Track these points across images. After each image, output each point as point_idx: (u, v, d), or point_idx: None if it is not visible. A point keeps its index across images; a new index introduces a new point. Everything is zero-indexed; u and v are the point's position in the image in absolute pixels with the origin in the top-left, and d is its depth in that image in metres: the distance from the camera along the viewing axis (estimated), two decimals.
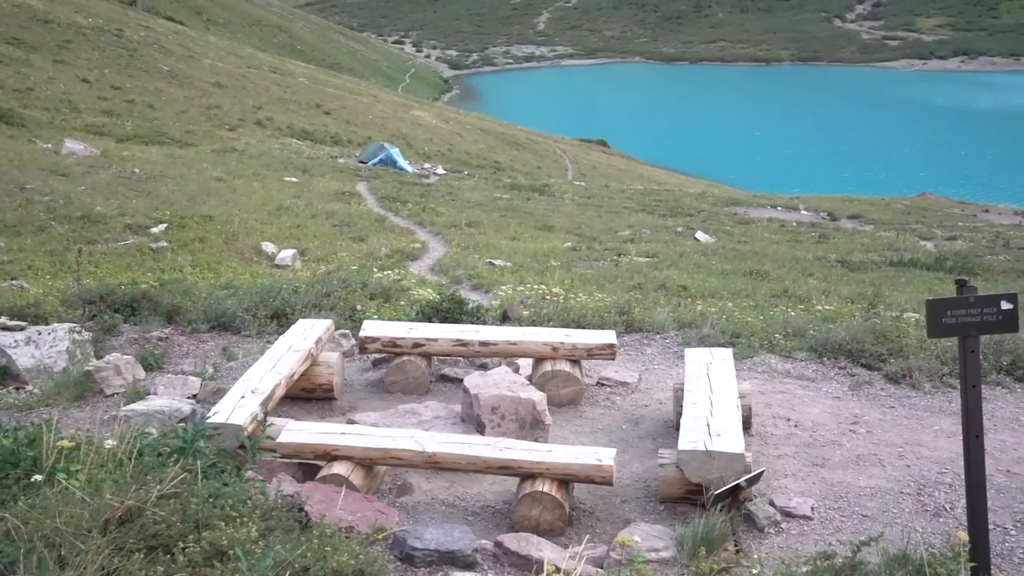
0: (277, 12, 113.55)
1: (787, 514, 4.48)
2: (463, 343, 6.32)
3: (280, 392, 5.41)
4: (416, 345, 6.30)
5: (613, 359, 6.41)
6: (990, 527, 3.74)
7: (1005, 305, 3.31)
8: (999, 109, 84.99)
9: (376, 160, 31.88)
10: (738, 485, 4.32)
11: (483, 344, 6.31)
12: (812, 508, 4.53)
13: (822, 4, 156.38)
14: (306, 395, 6.08)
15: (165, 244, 13.55)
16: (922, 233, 26.78)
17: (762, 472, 4.57)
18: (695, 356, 5.97)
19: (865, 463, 5.12)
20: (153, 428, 4.02)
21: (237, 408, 4.88)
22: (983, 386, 6.28)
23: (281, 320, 7.91)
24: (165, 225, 14.91)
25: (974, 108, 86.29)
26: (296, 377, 5.77)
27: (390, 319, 7.68)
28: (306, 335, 6.18)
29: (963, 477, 3.63)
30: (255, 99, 43.31)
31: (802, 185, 47.67)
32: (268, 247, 14.39)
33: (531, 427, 5.29)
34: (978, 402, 3.43)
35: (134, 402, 5.51)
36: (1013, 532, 4.35)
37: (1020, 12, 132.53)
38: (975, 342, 3.39)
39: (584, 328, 7.29)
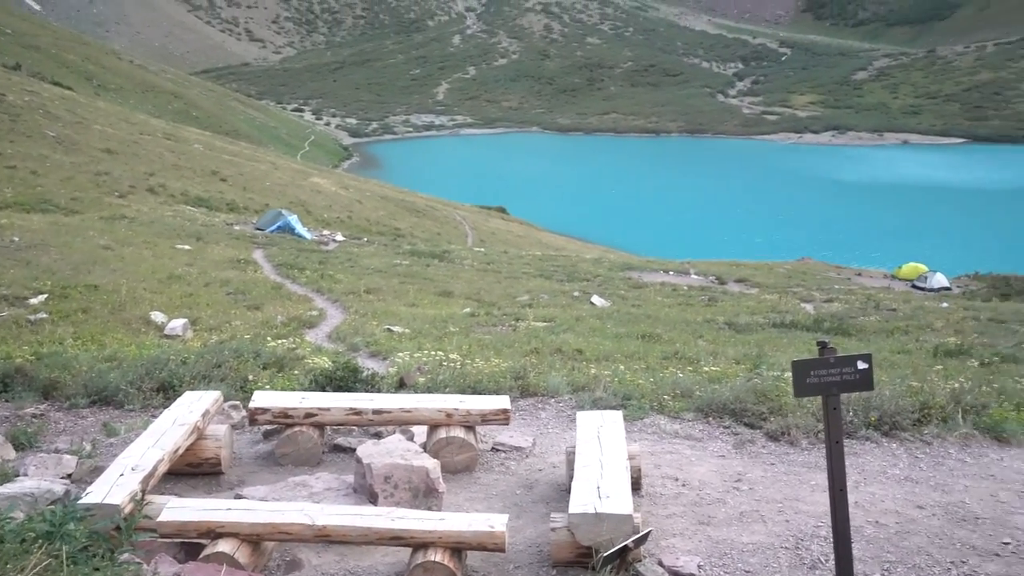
0: (172, 79, 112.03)
1: (674, 573, 4.52)
2: (357, 412, 6.22)
3: (163, 468, 5.19)
4: (308, 415, 6.15)
5: (507, 424, 6.41)
6: None
7: (861, 365, 3.49)
8: (865, 180, 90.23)
9: (274, 227, 31.47)
10: (626, 546, 4.35)
11: (377, 412, 6.22)
12: (698, 566, 4.59)
13: (706, 80, 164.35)
14: (192, 471, 5.84)
15: (45, 315, 12.91)
16: (802, 296, 27.90)
17: (649, 532, 4.61)
18: (587, 420, 6.02)
19: (748, 519, 5.22)
20: (19, 512, 3.78)
21: (115, 487, 4.65)
22: (854, 441, 6.57)
23: (168, 393, 7.59)
24: (45, 296, 14.26)
25: (844, 179, 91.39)
26: (181, 452, 5.54)
27: (283, 389, 7.50)
28: (192, 408, 5.96)
29: (848, 529, 3.74)
30: (147, 165, 42.36)
31: (692, 250, 49.19)
32: (157, 317, 13.90)
33: (425, 495, 5.22)
34: (841, 457, 3.57)
35: (1, 484, 5.18)
36: None
37: (881, 92, 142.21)
38: (836, 400, 3.55)
39: (480, 394, 7.28)
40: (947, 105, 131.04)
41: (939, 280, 36.63)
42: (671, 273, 34.11)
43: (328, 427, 6.49)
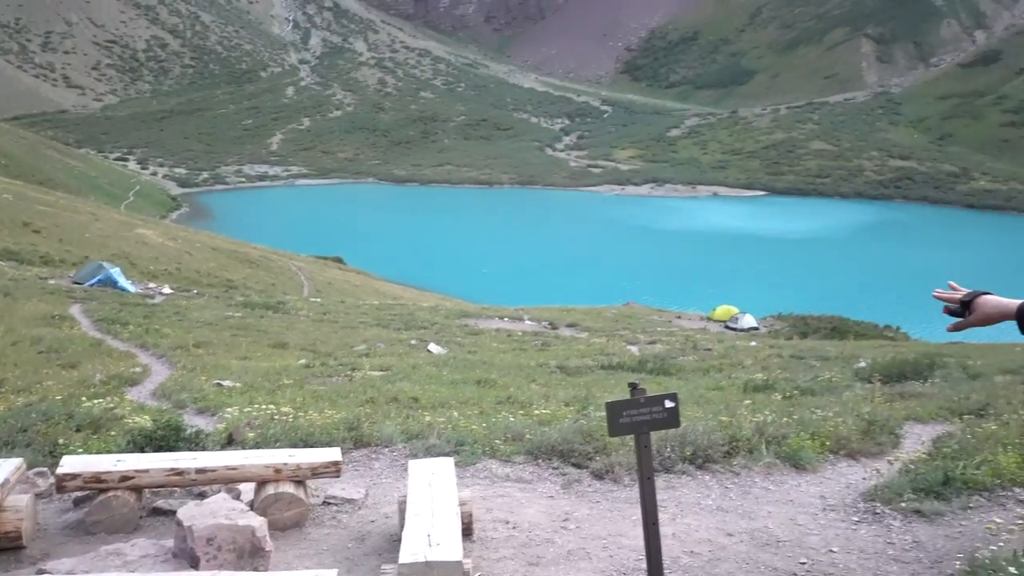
0: None
1: None
2: (178, 472, 5.87)
3: None
4: (124, 479, 5.73)
5: (338, 476, 6.24)
6: None
7: (668, 404, 3.65)
8: (682, 229, 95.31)
9: (94, 281, 29.65)
10: None
11: (200, 472, 5.90)
12: None
13: (535, 135, 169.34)
14: None
15: None
16: (628, 338, 28.94)
17: None
18: (418, 468, 5.96)
19: (575, 557, 5.31)
20: None
21: None
22: (671, 475, 6.83)
23: None
24: None
25: (663, 228, 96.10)
26: None
27: (98, 452, 7.00)
28: None
29: (660, 562, 3.87)
30: None
31: (526, 297, 50.07)
32: None
33: (251, 556, 4.98)
34: (653, 492, 3.71)
35: None
36: None
37: (693, 148, 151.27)
38: (647, 438, 3.70)
39: (313, 447, 7.07)
40: (749, 161, 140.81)
41: (748, 321, 38.85)
42: (506, 319, 34.61)
43: (147, 490, 6.09)
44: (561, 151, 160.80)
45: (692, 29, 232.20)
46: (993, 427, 7.81)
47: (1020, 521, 4.80)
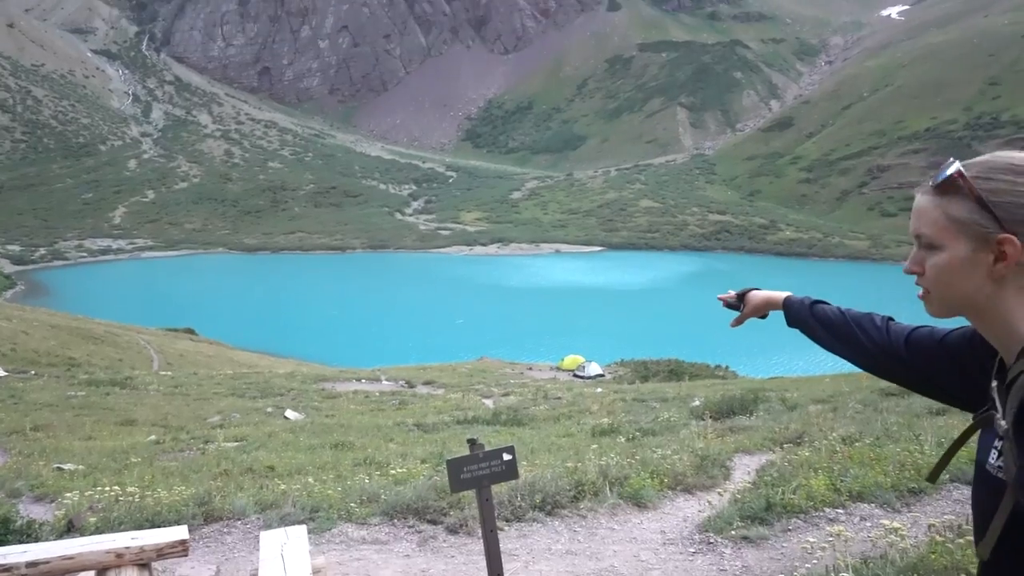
0: None
1: None
2: (6, 568, 5.32)
3: None
4: None
5: (186, 555, 5.84)
6: None
7: (507, 456, 3.68)
8: (529, 284, 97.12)
9: None
10: None
11: (32, 565, 5.32)
12: None
13: (385, 201, 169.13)
14: None
15: None
16: (483, 392, 28.99)
17: None
18: (269, 539, 5.68)
19: None
20: None
21: None
22: (523, 523, 6.84)
23: None
24: None
25: (511, 284, 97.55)
26: None
27: None
28: None
29: None
30: None
31: (383, 358, 49.35)
32: None
33: None
34: (496, 544, 3.70)
35: None
36: None
37: (534, 209, 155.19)
38: (488, 492, 3.70)
39: (160, 526, 6.63)
40: (586, 219, 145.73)
41: (594, 368, 39.67)
42: (363, 381, 33.95)
43: None
44: (410, 215, 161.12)
45: (526, 99, 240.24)
46: (807, 453, 8.27)
47: (831, 539, 5.09)
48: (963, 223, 1.48)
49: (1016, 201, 1.44)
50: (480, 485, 3.59)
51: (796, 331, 2.25)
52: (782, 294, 2.37)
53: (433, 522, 6.97)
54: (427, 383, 33.55)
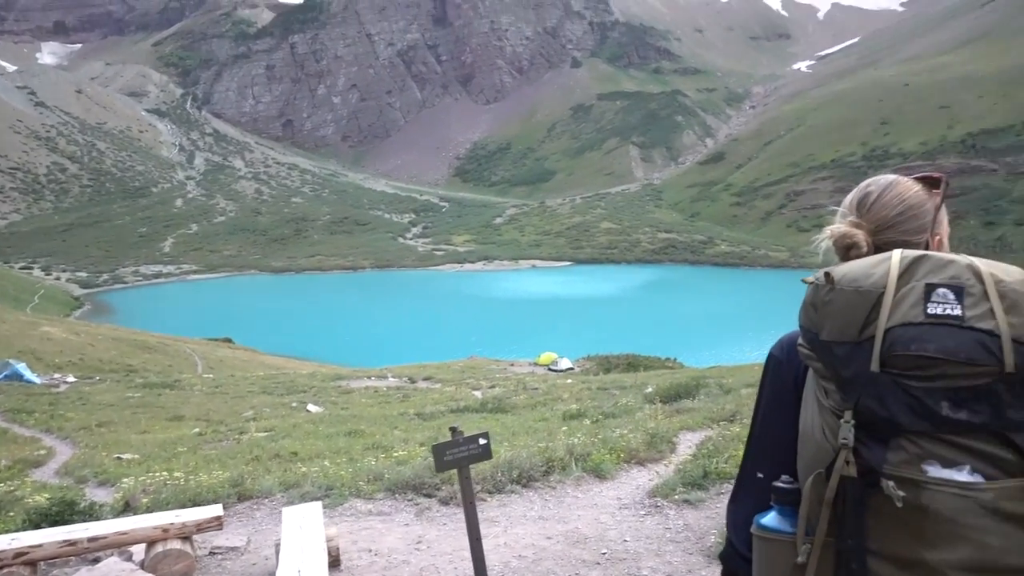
0: None
1: None
2: (71, 543, 5.26)
3: None
4: (18, 555, 5.06)
5: (221, 529, 5.79)
6: None
7: (482, 441, 3.66)
8: (510, 295, 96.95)
9: (1, 377, 26.56)
10: None
11: (93, 540, 5.30)
12: None
13: (388, 228, 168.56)
14: None
15: None
16: (473, 385, 28.83)
17: None
18: (290, 514, 5.64)
19: (427, 572, 5.15)
20: None
21: None
22: (503, 495, 6.80)
23: None
24: None
25: (496, 295, 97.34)
26: None
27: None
28: None
29: (484, 568, 3.81)
30: None
31: (389, 358, 48.98)
32: None
33: None
34: (475, 514, 3.68)
35: None
36: None
37: (513, 232, 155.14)
38: (467, 471, 3.67)
39: (200, 505, 6.55)
40: (557, 239, 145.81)
41: (565, 363, 39.56)
42: (373, 378, 33.66)
43: (42, 563, 5.40)
44: (410, 239, 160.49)
45: (505, 141, 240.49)
46: (737, 429, 8.29)
47: None
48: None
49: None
50: (461, 465, 3.57)
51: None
52: None
53: (428, 495, 6.92)
54: (426, 379, 33.32)
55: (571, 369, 38.54)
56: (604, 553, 5.14)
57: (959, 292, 1.19)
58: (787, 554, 1.25)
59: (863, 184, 1.57)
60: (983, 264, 1.23)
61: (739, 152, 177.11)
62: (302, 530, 5.20)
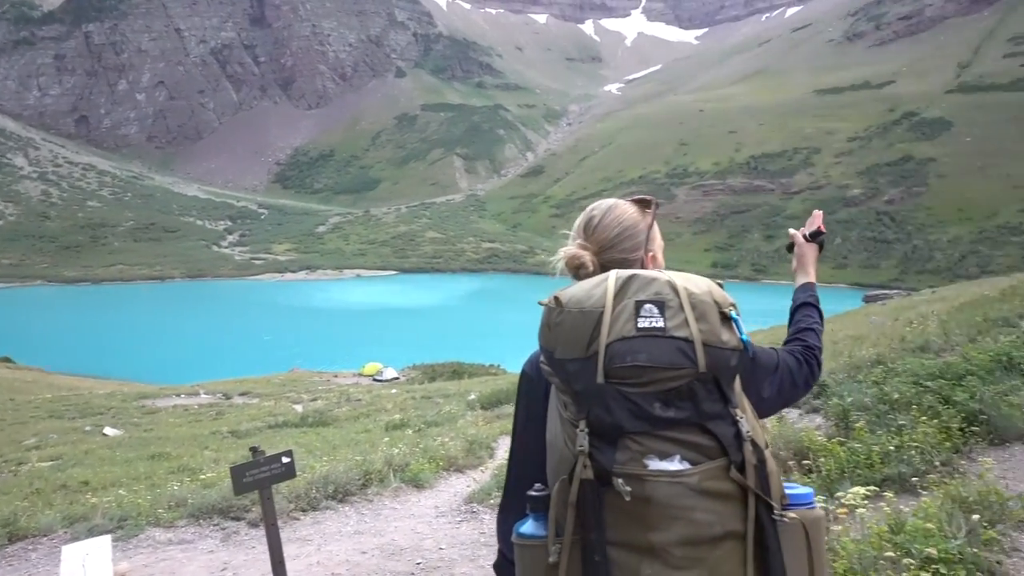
0: None
1: None
2: None
3: None
4: None
5: None
6: None
7: (285, 459, 3.50)
8: (334, 306, 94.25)
9: None
10: None
11: None
12: None
13: (202, 235, 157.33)
14: None
15: None
16: (294, 399, 27.63)
17: None
18: (71, 552, 5.02)
19: None
20: None
21: None
22: (318, 512, 6.57)
23: None
24: None
25: (319, 306, 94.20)
26: None
27: None
28: None
29: None
30: None
31: (204, 374, 45.66)
32: None
33: None
34: (278, 536, 3.52)
35: None
36: None
37: (337, 240, 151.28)
38: (269, 492, 3.50)
39: None
40: (382, 248, 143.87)
41: (390, 373, 39.14)
42: (183, 396, 31.17)
43: None
44: (226, 248, 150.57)
45: (328, 148, 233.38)
46: None
47: None
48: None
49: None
50: (262, 487, 3.38)
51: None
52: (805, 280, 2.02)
53: (237, 519, 6.51)
54: (243, 394, 31.45)
55: (396, 379, 38.20)
56: (419, 563, 5.11)
57: (661, 306, 1.35)
58: (543, 557, 1.35)
59: (588, 209, 1.76)
60: (680, 279, 1.40)
61: (557, 166, 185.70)
62: (85, 569, 4.66)
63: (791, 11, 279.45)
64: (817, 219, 2.06)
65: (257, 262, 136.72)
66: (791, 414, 7.41)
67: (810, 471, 4.81)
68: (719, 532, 1.29)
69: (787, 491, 1.40)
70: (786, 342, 1.82)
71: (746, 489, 1.31)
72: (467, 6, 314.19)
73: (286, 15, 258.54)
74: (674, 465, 1.29)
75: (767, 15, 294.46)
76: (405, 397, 23.75)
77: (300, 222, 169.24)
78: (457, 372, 38.34)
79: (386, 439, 11.51)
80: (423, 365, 43.38)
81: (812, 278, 1.98)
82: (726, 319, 1.37)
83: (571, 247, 1.70)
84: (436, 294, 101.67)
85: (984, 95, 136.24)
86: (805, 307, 1.90)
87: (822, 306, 1.90)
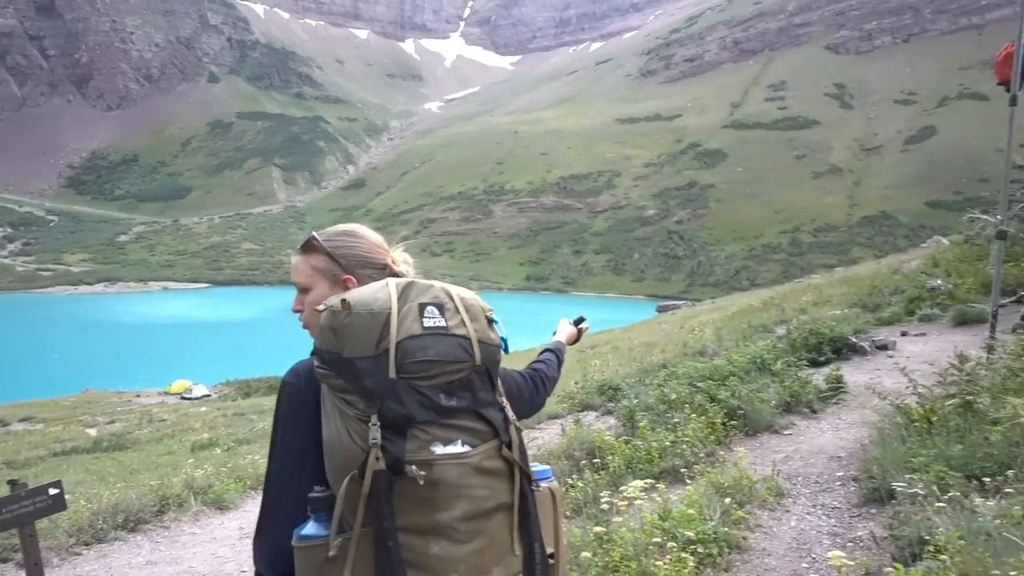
0: None
1: None
2: None
3: None
4: None
5: None
6: None
7: (52, 491, 3.13)
8: (138, 321, 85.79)
9: None
10: None
11: None
12: None
13: None
14: None
15: None
16: (87, 422, 24.75)
17: None
18: None
19: None
20: None
21: None
22: (103, 544, 5.89)
23: None
24: None
25: (119, 320, 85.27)
26: None
27: None
28: None
29: None
30: None
31: None
32: None
33: None
34: (41, 574, 3.12)
35: None
36: None
37: (142, 251, 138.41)
38: (31, 528, 3.10)
39: None
40: (193, 259, 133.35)
41: (200, 390, 36.50)
42: None
43: None
44: (6, 257, 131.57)
45: (132, 152, 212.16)
46: None
47: None
48: (321, 270, 1.80)
49: (349, 253, 1.83)
50: (24, 523, 2.97)
51: None
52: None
53: (4, 560, 5.67)
54: (24, 419, 27.58)
55: (207, 396, 35.58)
56: None
57: (441, 308, 1.50)
58: (323, 555, 1.36)
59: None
60: (451, 287, 1.58)
61: (379, 180, 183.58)
62: None
63: (595, 46, 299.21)
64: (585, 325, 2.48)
65: (45, 273, 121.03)
66: (588, 416, 7.87)
67: (599, 468, 5.14)
68: (493, 505, 1.43)
69: (532, 468, 1.58)
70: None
71: (513, 465, 1.47)
72: (286, 16, 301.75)
73: (80, 7, 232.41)
74: (458, 448, 1.41)
75: (574, 48, 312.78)
76: (216, 415, 22.20)
77: (98, 230, 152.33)
78: (274, 387, 36.35)
79: (191, 460, 10.68)
80: (237, 381, 40.81)
81: (564, 342, 2.37)
82: (490, 321, 1.57)
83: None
84: (252, 307, 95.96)
85: (751, 131, 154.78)
86: (546, 352, 2.25)
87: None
